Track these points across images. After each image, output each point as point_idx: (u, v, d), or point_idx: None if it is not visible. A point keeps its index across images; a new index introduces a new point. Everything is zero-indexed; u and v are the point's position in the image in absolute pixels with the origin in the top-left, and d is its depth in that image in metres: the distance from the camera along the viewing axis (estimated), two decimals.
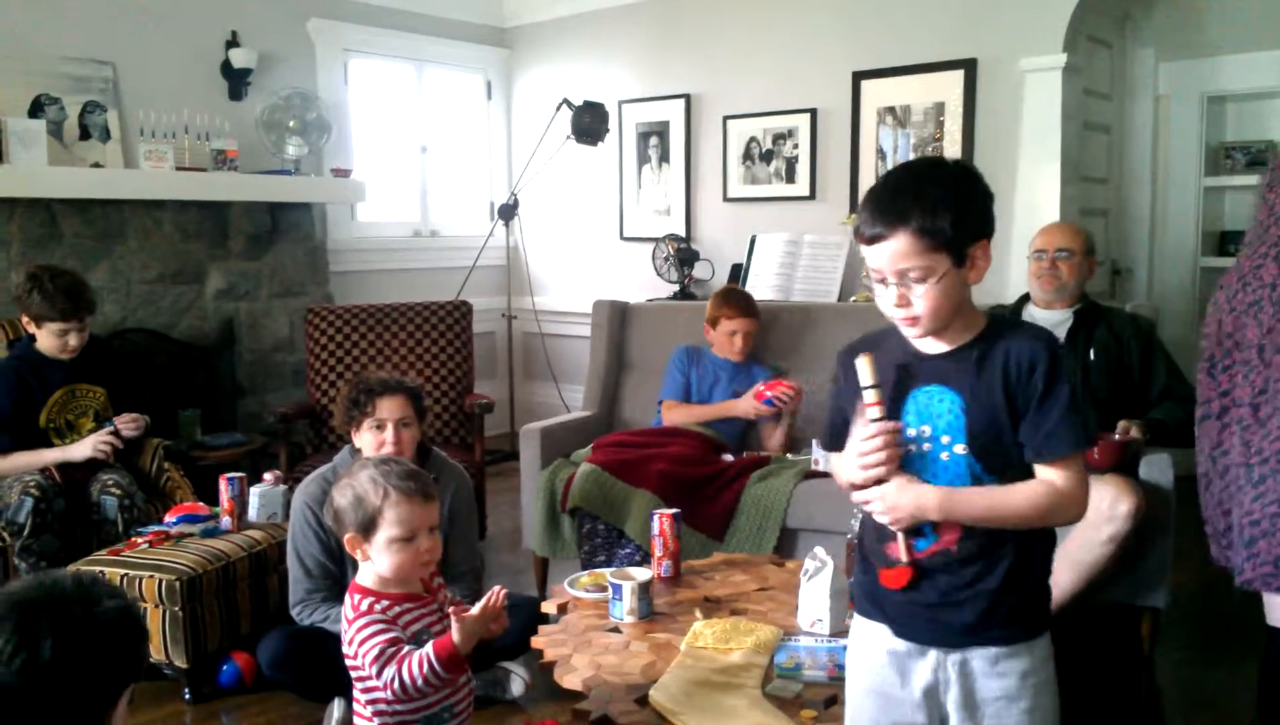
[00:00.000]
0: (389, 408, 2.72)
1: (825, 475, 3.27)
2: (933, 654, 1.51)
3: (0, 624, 1.10)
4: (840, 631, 2.28)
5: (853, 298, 4.41)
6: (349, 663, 1.86)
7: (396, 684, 1.77)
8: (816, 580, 2.30)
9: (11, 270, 4.04)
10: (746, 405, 3.52)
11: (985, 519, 1.46)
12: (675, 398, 3.67)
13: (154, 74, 4.58)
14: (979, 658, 1.49)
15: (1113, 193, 5.08)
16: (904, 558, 1.50)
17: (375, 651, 1.79)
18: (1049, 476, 1.45)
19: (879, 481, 1.48)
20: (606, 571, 2.60)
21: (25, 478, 3.08)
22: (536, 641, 2.34)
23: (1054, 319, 3.24)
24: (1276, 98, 4.93)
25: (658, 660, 2.20)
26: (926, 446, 1.49)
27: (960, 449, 1.46)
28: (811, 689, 2.05)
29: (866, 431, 1.48)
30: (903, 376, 1.51)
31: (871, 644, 1.58)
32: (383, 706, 1.84)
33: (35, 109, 4.20)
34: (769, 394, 3.47)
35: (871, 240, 1.45)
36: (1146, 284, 5.16)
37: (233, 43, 4.86)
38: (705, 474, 3.28)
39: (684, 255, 5.11)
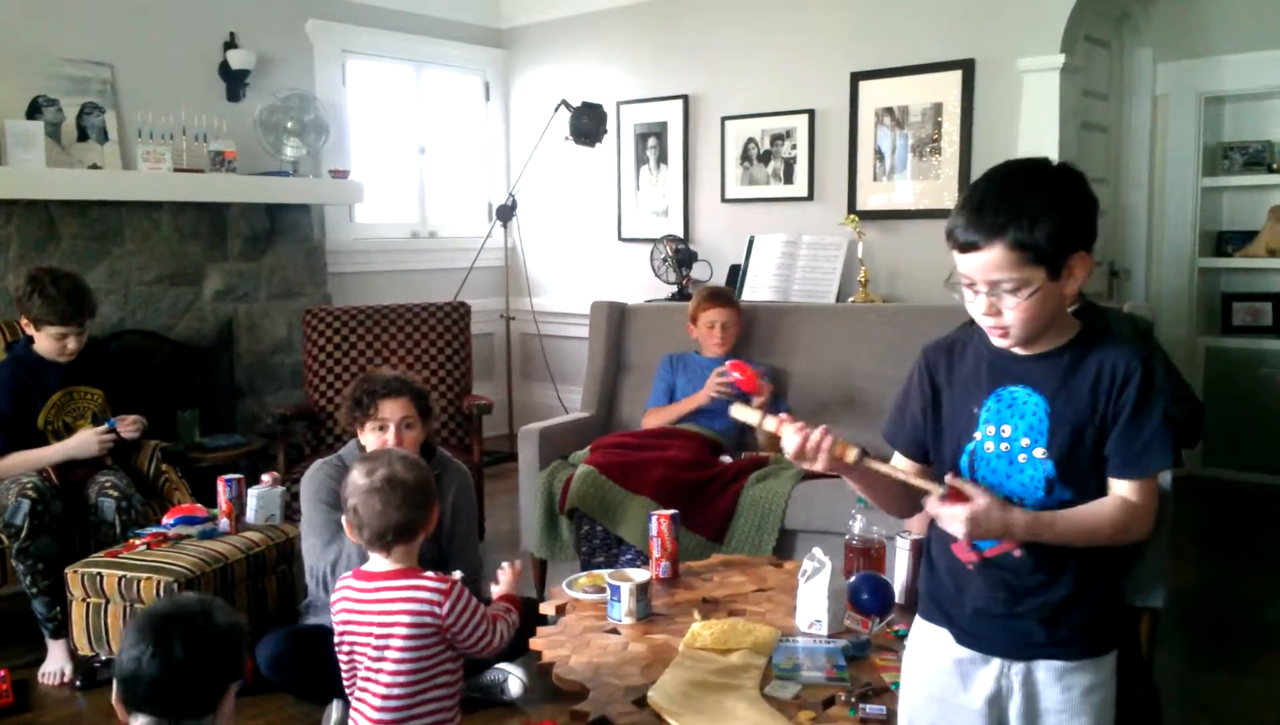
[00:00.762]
0: (391, 409, 2.72)
1: (823, 476, 3.27)
2: (996, 663, 1.50)
3: (143, 632, 1.51)
4: (838, 633, 2.28)
5: (850, 298, 4.41)
6: (459, 639, 1.95)
7: (506, 633, 2.03)
8: (815, 581, 2.30)
9: (9, 271, 4.03)
10: (704, 394, 3.55)
11: (1064, 539, 1.43)
12: (657, 405, 3.71)
13: (152, 75, 4.58)
14: (1044, 669, 1.48)
15: (1110, 193, 5.08)
16: (966, 557, 1.50)
17: (481, 614, 1.98)
18: (1125, 491, 1.43)
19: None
20: (605, 573, 2.60)
21: (22, 480, 3.07)
22: (535, 643, 2.34)
23: None
24: (1274, 98, 4.94)
25: (656, 661, 2.19)
26: (1004, 447, 1.47)
27: (1039, 453, 1.44)
28: (810, 690, 2.05)
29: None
30: (988, 374, 1.49)
31: (933, 649, 1.57)
32: (452, 689, 1.98)
33: (33, 110, 4.20)
34: (714, 384, 3.50)
35: (964, 248, 1.40)
36: (1144, 284, 5.17)
37: (231, 44, 4.86)
38: (703, 478, 3.28)
39: (682, 256, 5.11)
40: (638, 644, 2.30)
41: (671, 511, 2.71)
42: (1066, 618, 1.47)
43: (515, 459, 3.83)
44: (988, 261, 1.38)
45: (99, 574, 2.82)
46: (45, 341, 3.25)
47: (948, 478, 1.45)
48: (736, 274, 4.85)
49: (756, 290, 4.65)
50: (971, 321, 1.51)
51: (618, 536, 3.20)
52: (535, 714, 2.72)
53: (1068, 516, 1.43)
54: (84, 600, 2.85)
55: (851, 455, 1.47)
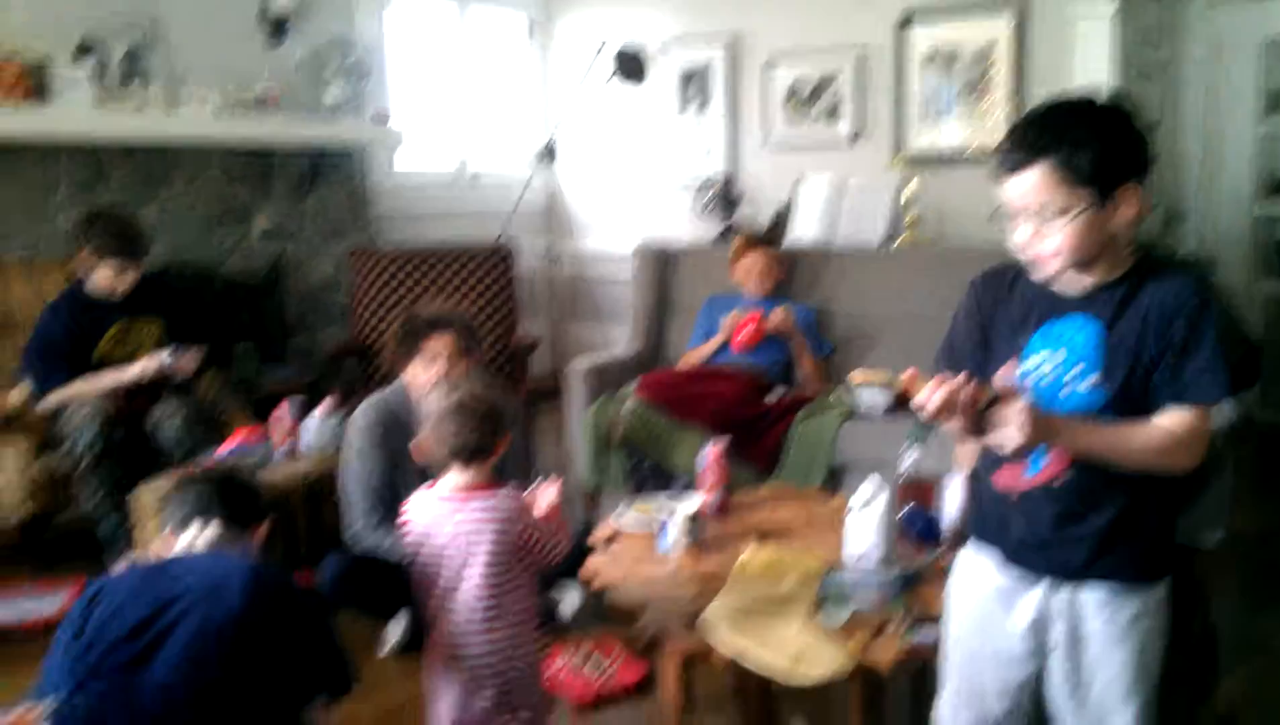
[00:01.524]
0: (439, 344, 2.75)
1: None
2: (1041, 587, 1.51)
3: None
4: (889, 563, 2.30)
5: (897, 241, 4.38)
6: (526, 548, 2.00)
7: (566, 543, 2.09)
8: (866, 512, 2.31)
9: (59, 214, 4.09)
10: (724, 333, 3.63)
11: (1104, 453, 1.42)
12: (693, 348, 3.78)
13: (196, 19, 4.57)
14: (1089, 595, 1.49)
15: (1166, 139, 4.97)
16: (1006, 487, 1.50)
17: (549, 526, 2.06)
18: (1173, 421, 1.41)
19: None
20: (654, 503, 2.63)
21: (87, 407, 3.15)
22: (587, 569, 2.38)
23: None
24: None
25: (706, 588, 2.22)
26: (1051, 377, 1.47)
27: (1093, 381, 1.44)
28: (859, 618, 2.07)
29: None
30: (1039, 305, 1.48)
31: (978, 577, 1.59)
32: (530, 604, 2.05)
33: (80, 54, 4.23)
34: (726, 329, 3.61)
35: (1012, 169, 1.41)
36: (1201, 230, 5.08)
37: None
38: (753, 413, 3.31)
39: (727, 198, 5.08)
40: (689, 571, 2.33)
41: (724, 442, 2.73)
42: (1113, 545, 1.47)
43: (560, 398, 3.87)
44: (1032, 183, 1.39)
45: (162, 496, 2.89)
46: (101, 276, 3.30)
47: (994, 379, 1.45)
48: (782, 216, 4.82)
49: (802, 233, 4.62)
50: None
51: (667, 468, 3.23)
52: (589, 635, 2.78)
53: (1110, 429, 1.42)
54: (148, 522, 2.93)
55: (988, 396, 1.43)
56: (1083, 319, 1.45)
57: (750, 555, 2.32)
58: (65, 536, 3.45)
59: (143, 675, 1.56)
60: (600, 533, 2.63)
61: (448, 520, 1.97)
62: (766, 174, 5.26)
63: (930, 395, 1.42)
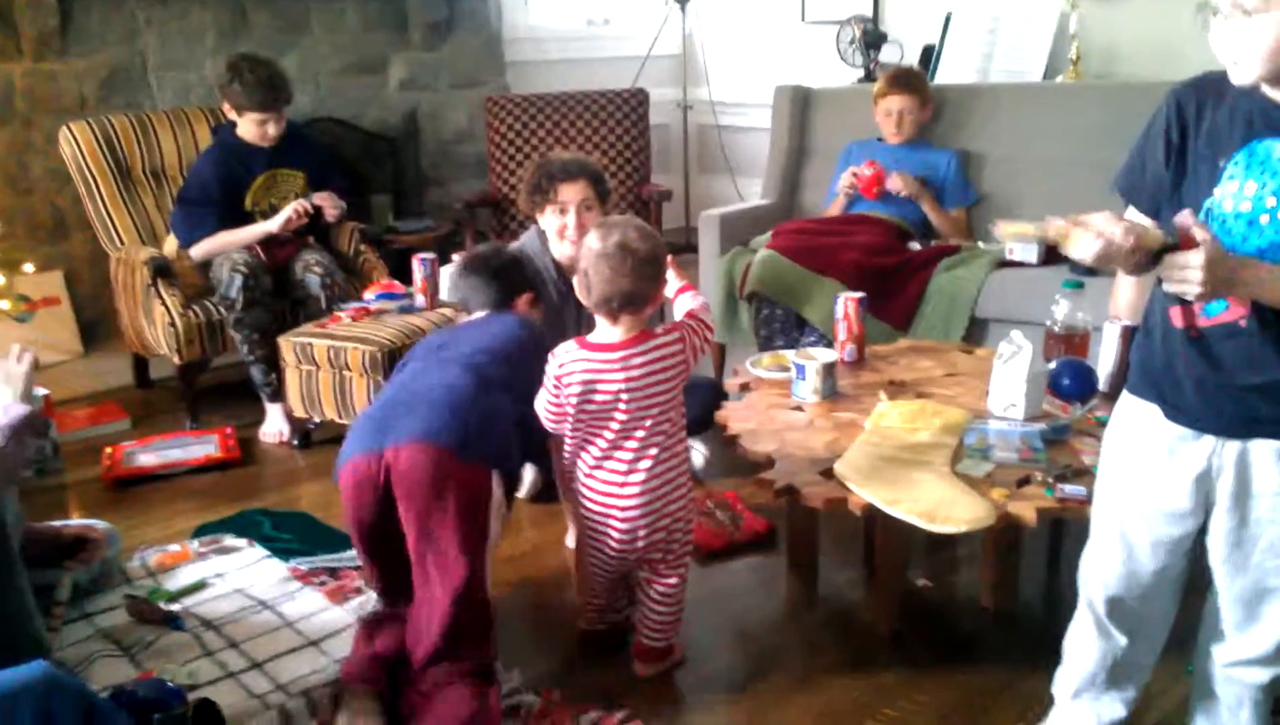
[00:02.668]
0: (570, 192, 2.70)
1: (1019, 265, 3.11)
2: (1209, 439, 1.41)
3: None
4: (1035, 417, 2.20)
5: (1059, 78, 4.06)
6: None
7: (708, 327, 2.09)
8: (1013, 363, 2.21)
9: (208, 59, 4.18)
10: (841, 198, 3.53)
11: None
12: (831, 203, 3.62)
13: None
14: (1262, 449, 1.38)
15: None
16: (1185, 323, 1.39)
17: (697, 336, 2.05)
18: None
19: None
20: (789, 352, 2.58)
21: (234, 257, 3.26)
22: (720, 416, 2.36)
23: None
24: None
25: (842, 438, 2.18)
26: (1245, 206, 1.33)
27: None
28: (1003, 470, 2.00)
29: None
30: (1244, 122, 1.34)
31: (1139, 425, 1.49)
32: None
33: None
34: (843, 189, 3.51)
35: None
36: None
37: None
38: (892, 264, 3.18)
39: (870, 38, 4.78)
40: (823, 421, 2.29)
41: (859, 294, 2.64)
42: None
43: (693, 251, 3.81)
44: None
45: (309, 343, 3.01)
46: (247, 127, 3.37)
47: (1177, 218, 1.31)
48: (930, 56, 4.53)
49: (952, 73, 4.33)
50: None
51: (798, 321, 3.16)
52: (717, 487, 2.80)
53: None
54: (297, 367, 3.06)
55: (1158, 242, 1.32)
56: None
57: (890, 406, 2.26)
58: (219, 384, 3.66)
59: (447, 352, 2.12)
60: (734, 381, 2.60)
61: (617, 372, 1.89)
62: (914, 8, 4.92)
63: (1088, 244, 1.32)
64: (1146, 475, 1.49)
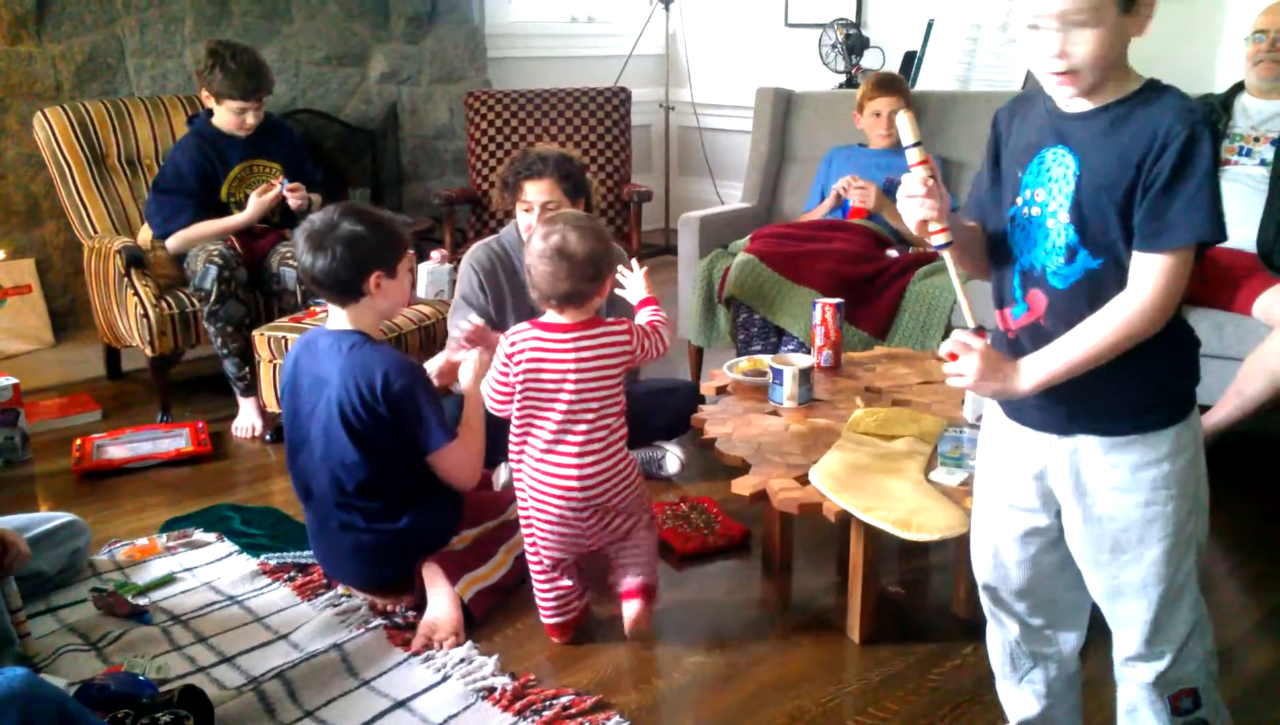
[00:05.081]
0: (535, 191, 2.68)
1: None
2: (1044, 438, 1.45)
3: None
4: None
5: None
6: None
7: (667, 335, 2.15)
8: None
9: (186, 47, 4.13)
10: (831, 198, 3.50)
11: (1074, 370, 1.34)
12: (810, 209, 3.62)
13: None
14: (1088, 445, 1.41)
15: None
16: (1003, 327, 1.47)
17: (648, 338, 2.10)
18: (1137, 270, 1.30)
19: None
20: (766, 357, 2.58)
21: (209, 248, 3.23)
22: (696, 418, 2.37)
23: (1271, 110, 2.94)
24: None
25: (817, 443, 2.19)
26: (1035, 211, 1.38)
27: (1064, 218, 1.35)
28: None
29: (911, 180, 1.41)
30: (1038, 135, 1.39)
31: (994, 422, 1.55)
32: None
33: None
34: (840, 190, 3.46)
35: None
36: None
37: None
38: (869, 271, 3.19)
39: (852, 42, 4.81)
40: (799, 426, 2.30)
41: (836, 300, 2.65)
42: (1104, 393, 1.37)
43: (672, 252, 3.82)
44: None
45: (284, 337, 2.98)
46: (225, 115, 3.34)
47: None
48: (911, 62, 4.56)
49: (934, 79, 4.36)
50: None
51: (776, 326, 3.17)
52: (691, 491, 2.80)
53: (1060, 350, 1.34)
54: (270, 361, 3.03)
55: (939, 239, 1.44)
56: (1064, 151, 1.35)
57: (866, 413, 2.27)
58: (192, 377, 3.62)
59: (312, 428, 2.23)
60: (710, 384, 2.60)
61: (564, 354, 1.96)
62: (896, 15, 4.95)
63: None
64: (997, 471, 1.54)
